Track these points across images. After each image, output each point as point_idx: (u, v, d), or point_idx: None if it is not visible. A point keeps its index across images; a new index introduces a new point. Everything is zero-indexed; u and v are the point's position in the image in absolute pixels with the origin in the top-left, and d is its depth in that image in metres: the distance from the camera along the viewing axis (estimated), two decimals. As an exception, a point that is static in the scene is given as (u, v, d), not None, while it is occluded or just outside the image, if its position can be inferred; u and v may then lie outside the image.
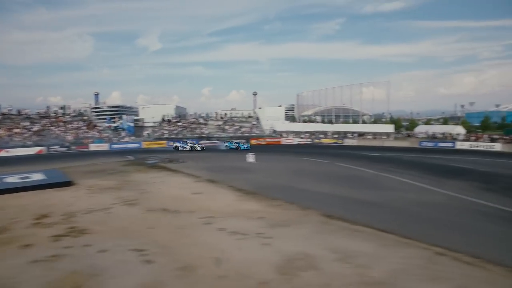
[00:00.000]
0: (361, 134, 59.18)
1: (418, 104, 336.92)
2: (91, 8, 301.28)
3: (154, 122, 65.38)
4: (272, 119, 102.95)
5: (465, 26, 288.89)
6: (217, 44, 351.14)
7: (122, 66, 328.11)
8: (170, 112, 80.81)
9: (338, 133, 60.07)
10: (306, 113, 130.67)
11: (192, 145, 42.86)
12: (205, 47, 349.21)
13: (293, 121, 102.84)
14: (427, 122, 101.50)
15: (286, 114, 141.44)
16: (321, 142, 52.96)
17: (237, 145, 43.68)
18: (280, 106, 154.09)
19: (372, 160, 30.75)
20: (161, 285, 7.47)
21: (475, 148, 43.44)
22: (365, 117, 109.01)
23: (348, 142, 52.18)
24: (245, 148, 42.70)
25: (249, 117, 74.30)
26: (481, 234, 11.19)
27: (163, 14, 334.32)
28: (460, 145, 45.14)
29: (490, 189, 18.35)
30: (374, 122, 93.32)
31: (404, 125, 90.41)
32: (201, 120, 66.60)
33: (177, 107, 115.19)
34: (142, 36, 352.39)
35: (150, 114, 74.69)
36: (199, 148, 42.14)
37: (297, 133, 60.32)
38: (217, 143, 47.89)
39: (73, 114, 55.13)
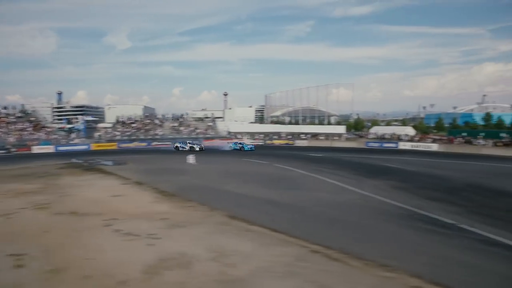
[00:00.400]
0: (314, 135, 60.62)
1: (385, 105, 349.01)
2: (53, 1, 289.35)
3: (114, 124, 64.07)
4: (242, 120, 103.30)
5: (427, 32, 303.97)
6: (188, 44, 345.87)
7: (88, 65, 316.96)
8: (138, 112, 79.25)
9: (292, 134, 61.22)
10: (275, 114, 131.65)
11: (191, 145, 43.58)
12: (176, 47, 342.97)
13: (261, 122, 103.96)
14: (388, 123, 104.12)
15: (256, 115, 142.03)
16: (272, 143, 53.77)
17: (241, 145, 44.00)
18: (250, 106, 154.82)
19: (311, 161, 31.63)
20: (20, 289, 7.51)
21: (415, 148, 45.61)
22: (332, 118, 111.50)
23: (299, 143, 53.27)
24: (249, 149, 43.26)
25: (206, 117, 74.23)
26: (369, 231, 11.88)
27: (132, 11, 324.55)
28: (403, 146, 47.25)
29: (403, 188, 19.35)
30: (338, 123, 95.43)
31: (367, 125, 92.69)
32: (156, 121, 65.91)
33: (146, 108, 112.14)
34: (110, 33, 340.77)
35: (117, 115, 72.54)
36: (197, 149, 42.70)
37: (252, 134, 60.91)
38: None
39: (19, 114, 53.05)
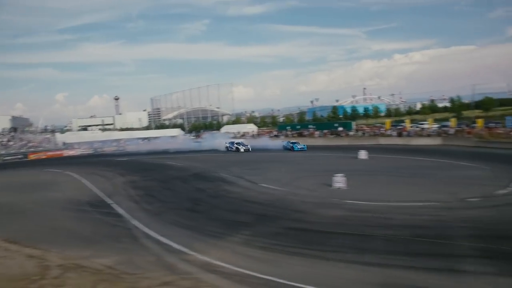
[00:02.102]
0: (153, 138, 65.30)
1: (282, 101, 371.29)
2: None
3: None
4: (133, 125, 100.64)
5: (315, 32, 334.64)
6: (71, 43, 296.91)
7: None
8: (4, 124, 72.16)
9: (131, 139, 64.93)
10: (167, 116, 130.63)
11: (236, 146, 45.07)
12: (56, 46, 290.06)
13: (148, 127, 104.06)
14: (262, 119, 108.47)
15: (150, 118, 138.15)
16: (103, 151, 56.43)
17: (291, 145, 43.64)
18: (145, 110, 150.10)
19: (102, 165, 36.02)
20: None
21: (226, 145, 53.19)
22: (225, 117, 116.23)
23: (130, 148, 56.97)
24: (299, 149, 42.39)
25: (94, 125, 73.13)
26: (34, 217, 16.77)
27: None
28: (219, 143, 54.43)
29: (135, 181, 24.80)
30: (217, 122, 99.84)
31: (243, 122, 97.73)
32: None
33: (15, 118, 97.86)
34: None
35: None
36: (242, 150, 43.82)
37: (90, 144, 62.57)
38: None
39: None
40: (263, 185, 21.27)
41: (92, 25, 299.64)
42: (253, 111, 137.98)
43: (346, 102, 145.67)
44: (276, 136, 58.85)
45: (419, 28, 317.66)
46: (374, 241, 11.04)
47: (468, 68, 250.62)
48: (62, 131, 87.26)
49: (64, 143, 61.82)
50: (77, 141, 63.95)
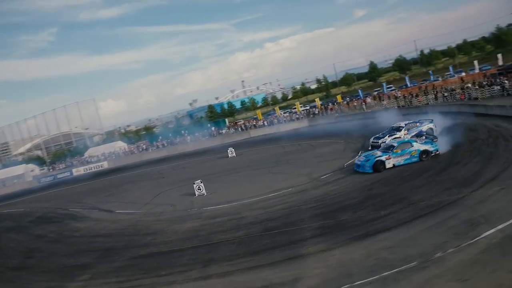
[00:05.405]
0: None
1: (160, 108, 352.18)
2: None
3: None
4: None
5: (182, 30, 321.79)
6: None
7: None
8: None
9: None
10: (21, 150, 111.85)
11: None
12: None
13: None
14: (136, 133, 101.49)
15: None
16: None
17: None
18: None
19: None
20: None
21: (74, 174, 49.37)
22: (95, 138, 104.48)
23: None
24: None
25: None
26: None
27: None
28: (76, 172, 50.14)
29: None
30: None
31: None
32: None
33: None
34: None
35: None
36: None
37: None
38: None
39: None
40: (118, 211, 20.17)
41: None
42: (128, 125, 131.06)
43: (227, 98, 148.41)
44: (145, 149, 56.78)
45: (284, 16, 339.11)
46: (221, 248, 11.07)
47: (332, 49, 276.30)
48: None
49: None
50: None
